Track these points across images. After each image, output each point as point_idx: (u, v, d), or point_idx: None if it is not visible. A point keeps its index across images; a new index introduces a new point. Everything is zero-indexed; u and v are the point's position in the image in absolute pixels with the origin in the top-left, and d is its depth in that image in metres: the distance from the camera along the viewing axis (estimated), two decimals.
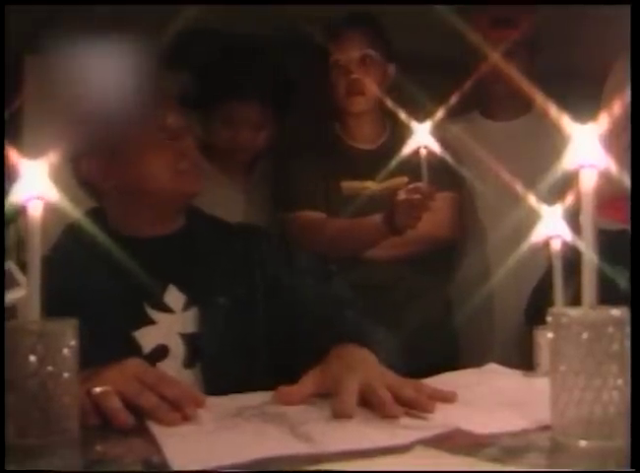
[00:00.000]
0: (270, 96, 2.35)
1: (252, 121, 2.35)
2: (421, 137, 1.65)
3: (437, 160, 1.77)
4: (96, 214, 1.52)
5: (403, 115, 1.82)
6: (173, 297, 1.46)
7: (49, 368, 0.91)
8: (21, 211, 0.92)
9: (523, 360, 1.43)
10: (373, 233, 2.12)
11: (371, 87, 2.27)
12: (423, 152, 1.69)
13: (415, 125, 1.64)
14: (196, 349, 1.44)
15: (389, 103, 2.10)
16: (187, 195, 1.52)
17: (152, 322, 1.44)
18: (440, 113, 1.79)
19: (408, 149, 1.69)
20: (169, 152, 1.48)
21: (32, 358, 0.91)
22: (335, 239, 2.20)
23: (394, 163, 1.89)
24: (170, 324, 1.44)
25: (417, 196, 1.89)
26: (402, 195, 1.94)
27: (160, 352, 1.42)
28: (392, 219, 2.00)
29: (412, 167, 1.81)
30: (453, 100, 1.95)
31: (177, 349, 1.44)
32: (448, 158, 1.90)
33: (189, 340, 1.44)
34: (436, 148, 1.67)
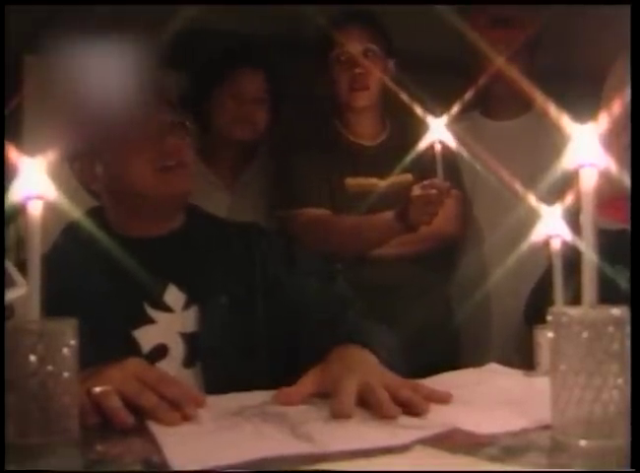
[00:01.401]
0: (274, 67, 2.43)
1: (256, 91, 2.41)
2: (436, 132, 1.64)
3: (446, 157, 1.77)
4: (96, 213, 1.53)
5: (418, 110, 1.80)
6: (173, 296, 1.47)
7: (49, 367, 0.91)
8: (20, 210, 0.92)
9: (523, 359, 1.43)
10: (385, 229, 2.10)
11: (374, 82, 2.28)
12: (438, 147, 1.68)
13: (430, 120, 1.63)
14: (196, 348, 1.44)
15: (393, 97, 2.09)
16: (174, 195, 1.51)
17: (151, 322, 1.44)
18: (455, 110, 1.78)
19: (422, 144, 1.68)
20: (152, 151, 1.47)
21: (33, 357, 0.90)
22: (344, 237, 2.19)
23: (408, 158, 1.88)
24: (170, 324, 1.45)
25: (434, 191, 1.88)
26: (417, 191, 1.92)
27: (160, 351, 1.43)
28: (406, 215, 1.99)
29: (416, 164, 1.81)
30: (464, 97, 1.95)
31: (177, 348, 1.44)
32: (464, 153, 1.89)
33: (189, 339, 1.45)
34: (451, 144, 1.66)
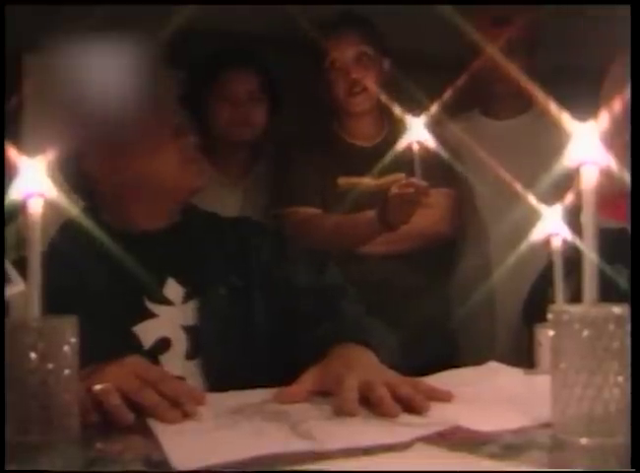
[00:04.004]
0: (265, 66, 2.47)
1: (250, 91, 2.43)
2: (416, 132, 1.66)
3: (434, 156, 1.78)
4: (89, 212, 1.53)
5: (397, 110, 1.83)
6: (173, 289, 1.48)
7: (50, 365, 0.92)
8: (21, 209, 0.93)
9: (522, 357, 1.44)
10: (367, 228, 2.14)
11: (371, 85, 2.29)
12: (416, 147, 1.70)
13: (409, 119, 1.65)
14: (198, 340, 1.45)
15: (386, 99, 2.11)
16: (191, 190, 1.54)
17: (152, 316, 1.45)
18: (436, 109, 1.80)
19: (402, 144, 1.69)
20: (173, 147, 1.50)
21: (33, 355, 0.91)
22: (331, 235, 2.22)
23: (388, 158, 1.90)
24: (171, 317, 1.46)
25: (410, 191, 1.89)
26: (394, 190, 1.95)
27: (163, 344, 1.44)
28: (385, 214, 2.02)
29: (410, 163, 1.82)
30: (449, 97, 1.96)
31: (179, 341, 1.45)
32: (443, 153, 1.91)
33: (191, 332, 1.46)
34: (431, 143, 1.68)
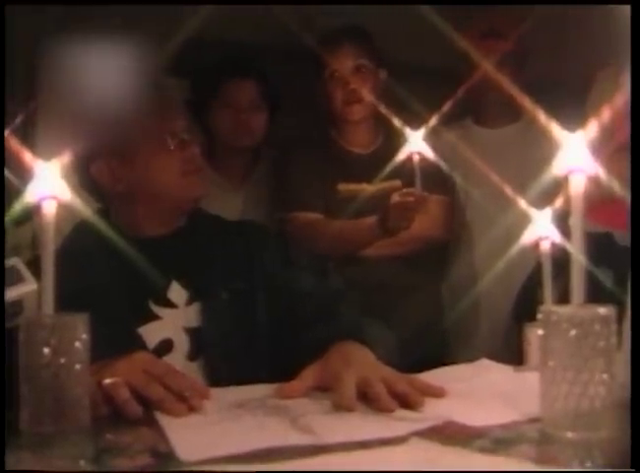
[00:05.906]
0: (266, 74, 2.51)
1: (251, 99, 2.47)
2: (415, 144, 1.70)
3: (431, 165, 1.82)
4: (100, 215, 1.55)
5: (397, 122, 1.87)
6: (176, 292, 1.51)
7: (62, 359, 0.94)
8: (35, 210, 0.95)
9: (513, 355, 1.47)
10: (368, 234, 2.19)
11: (368, 95, 2.34)
12: (416, 158, 1.74)
13: (408, 132, 1.69)
14: (200, 342, 1.48)
15: (383, 109, 2.16)
16: (193, 199, 1.58)
17: (156, 318, 1.48)
18: (433, 121, 1.83)
19: (402, 155, 1.73)
20: (178, 158, 1.53)
21: (46, 350, 0.93)
22: (331, 240, 2.25)
23: (389, 167, 1.94)
24: (175, 319, 1.49)
25: (411, 199, 1.94)
26: (395, 198, 1.99)
27: (166, 346, 1.47)
28: (385, 221, 2.07)
29: (405, 171, 1.86)
30: (445, 108, 1.99)
31: (181, 342, 1.48)
32: (441, 163, 1.95)
33: (193, 334, 1.48)
34: (429, 154, 1.72)
